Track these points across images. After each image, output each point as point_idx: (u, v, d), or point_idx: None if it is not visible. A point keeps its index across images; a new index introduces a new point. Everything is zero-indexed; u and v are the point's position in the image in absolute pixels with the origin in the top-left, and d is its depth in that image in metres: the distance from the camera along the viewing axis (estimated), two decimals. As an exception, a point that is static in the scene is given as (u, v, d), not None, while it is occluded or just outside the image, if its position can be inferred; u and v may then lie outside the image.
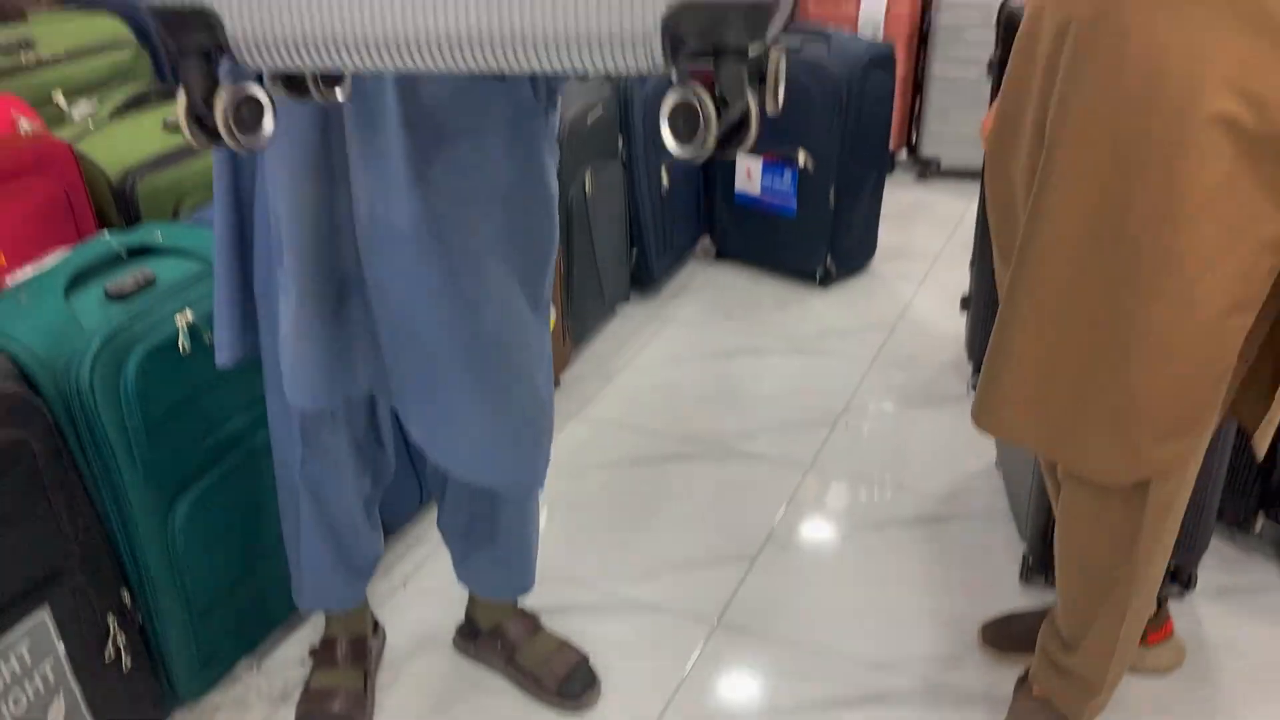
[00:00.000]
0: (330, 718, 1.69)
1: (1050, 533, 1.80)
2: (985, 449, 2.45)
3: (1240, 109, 1.16)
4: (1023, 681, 1.73)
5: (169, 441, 1.60)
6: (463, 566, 1.77)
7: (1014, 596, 2.02)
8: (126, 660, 1.58)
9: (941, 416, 2.61)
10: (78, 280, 1.61)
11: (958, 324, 2.86)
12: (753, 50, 0.86)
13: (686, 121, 0.86)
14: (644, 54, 0.86)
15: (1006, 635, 1.90)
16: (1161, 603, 1.84)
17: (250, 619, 1.84)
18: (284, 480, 1.63)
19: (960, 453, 2.46)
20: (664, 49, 0.85)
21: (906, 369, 2.81)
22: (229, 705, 1.76)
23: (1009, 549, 2.15)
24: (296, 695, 1.76)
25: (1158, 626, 1.84)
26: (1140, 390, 1.32)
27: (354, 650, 1.75)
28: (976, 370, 2.65)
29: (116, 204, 1.95)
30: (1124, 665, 1.64)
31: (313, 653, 1.78)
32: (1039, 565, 2.02)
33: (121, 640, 1.57)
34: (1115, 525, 1.46)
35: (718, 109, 0.86)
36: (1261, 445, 1.43)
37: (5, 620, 1.40)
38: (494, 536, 1.69)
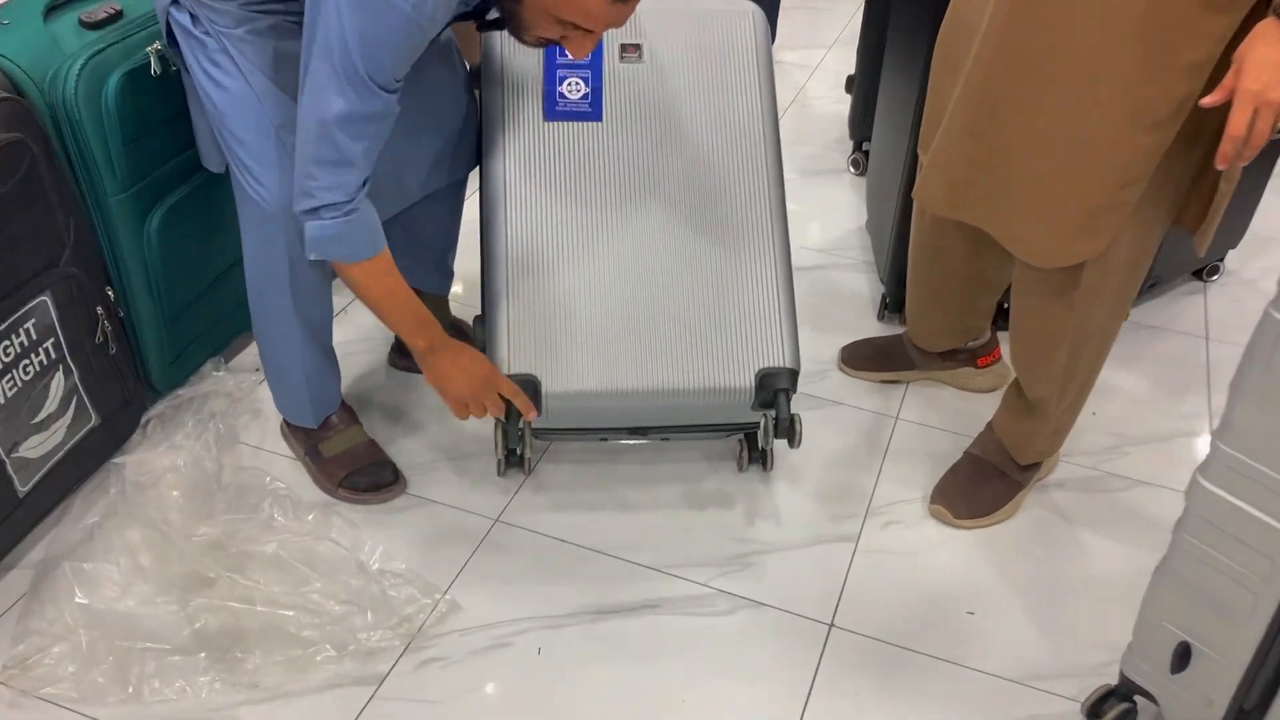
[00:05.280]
0: (376, 464, 1.92)
1: (905, 278, 2.13)
2: (858, 214, 2.78)
3: None
4: (991, 422, 2.02)
5: (143, 156, 1.81)
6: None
7: (872, 328, 2.38)
8: (113, 346, 1.83)
9: (825, 186, 2.92)
10: (53, 8, 1.78)
11: (843, 106, 3.14)
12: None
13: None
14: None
15: (859, 356, 2.27)
16: (993, 331, 2.21)
17: (216, 326, 2.11)
18: (268, 317, 1.81)
19: (836, 216, 2.79)
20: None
21: (796, 144, 3.09)
22: (196, 398, 2.03)
23: (871, 291, 2.50)
24: (250, 395, 2.06)
25: (987, 352, 2.22)
26: (1059, 186, 1.56)
27: (345, 413, 1.98)
28: (857, 147, 2.96)
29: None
30: (1065, 420, 1.89)
31: (291, 429, 1.98)
32: (894, 304, 2.38)
33: (108, 329, 1.81)
34: (1056, 298, 1.70)
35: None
36: (1200, 247, 1.66)
37: (17, 299, 1.63)
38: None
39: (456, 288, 2.36)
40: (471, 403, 1.68)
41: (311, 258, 1.53)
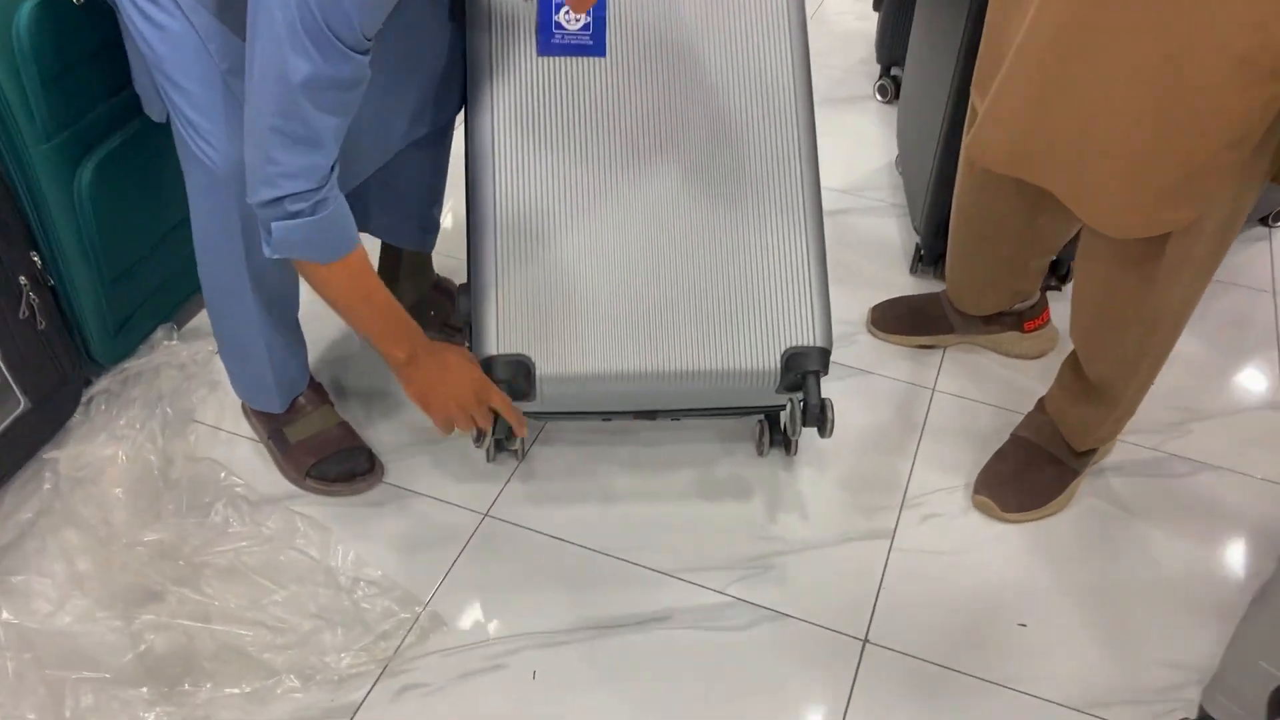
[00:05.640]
0: (350, 449, 1.70)
1: (943, 229, 1.88)
2: (886, 149, 2.51)
3: None
4: (1042, 400, 1.78)
5: (69, 99, 1.55)
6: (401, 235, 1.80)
7: (904, 283, 2.14)
8: (41, 320, 1.59)
9: (847, 115, 2.65)
10: (-47, -79, 1.50)
11: (868, 24, 2.84)
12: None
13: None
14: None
15: (890, 318, 2.03)
16: (1042, 292, 1.97)
17: (165, 289, 1.86)
18: (221, 291, 1.58)
19: (861, 151, 2.52)
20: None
21: (814, 67, 2.79)
22: (146, 371, 1.80)
23: (903, 240, 2.25)
24: (207, 367, 1.82)
25: (1036, 315, 1.98)
26: (1149, 145, 1.29)
27: (314, 392, 1.75)
28: (885, 72, 2.68)
29: None
30: (1132, 404, 1.66)
31: (254, 410, 1.76)
32: (930, 258, 2.13)
33: (35, 301, 1.57)
34: (1132, 270, 1.45)
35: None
36: None
37: (-85, 274, 1.39)
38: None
39: (446, 222, 2.11)
40: (459, 418, 1.47)
41: (271, 256, 1.29)
